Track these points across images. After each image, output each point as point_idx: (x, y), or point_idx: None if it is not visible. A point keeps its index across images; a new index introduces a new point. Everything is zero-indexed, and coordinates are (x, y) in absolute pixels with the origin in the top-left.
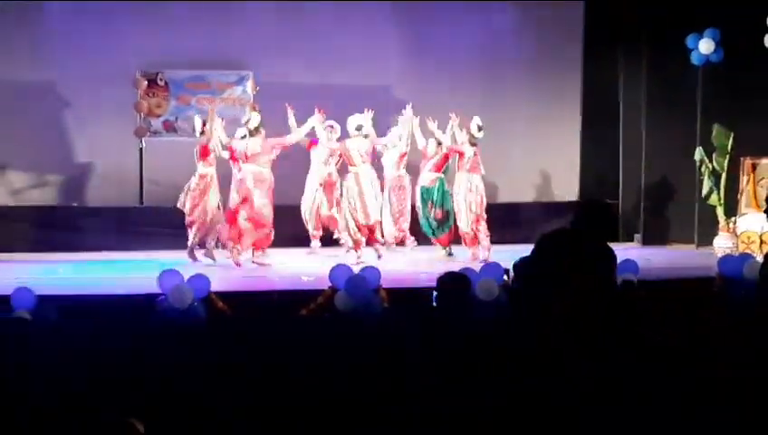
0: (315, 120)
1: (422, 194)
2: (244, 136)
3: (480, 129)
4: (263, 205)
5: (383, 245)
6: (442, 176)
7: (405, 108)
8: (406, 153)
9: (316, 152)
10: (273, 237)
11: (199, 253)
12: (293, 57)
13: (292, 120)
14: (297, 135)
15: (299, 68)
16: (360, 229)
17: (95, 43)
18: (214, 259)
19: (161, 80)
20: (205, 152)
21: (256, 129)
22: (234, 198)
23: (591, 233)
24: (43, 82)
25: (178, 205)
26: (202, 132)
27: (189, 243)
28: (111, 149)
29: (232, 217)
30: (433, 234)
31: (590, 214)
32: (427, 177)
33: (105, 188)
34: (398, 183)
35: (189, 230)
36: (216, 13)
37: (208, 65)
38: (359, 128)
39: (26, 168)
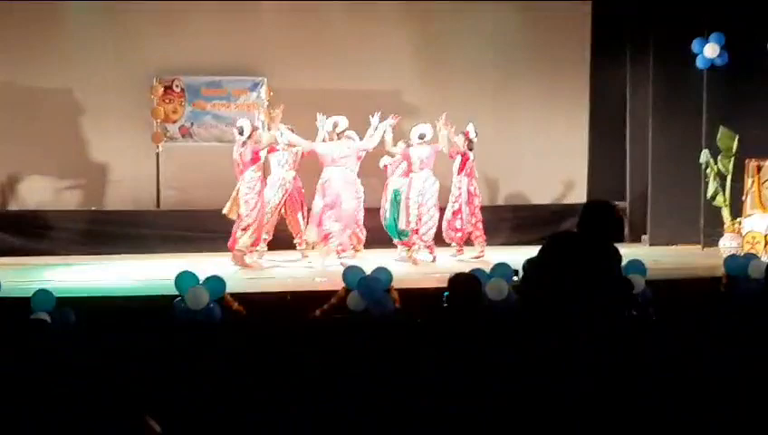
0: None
1: (395, 196)
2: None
3: (477, 134)
4: (352, 206)
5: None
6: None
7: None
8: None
9: (275, 156)
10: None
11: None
12: (308, 63)
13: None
14: (375, 139)
15: (313, 73)
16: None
17: (112, 50)
18: (261, 267)
19: (177, 86)
20: (256, 158)
21: (343, 132)
22: (318, 202)
23: (598, 235)
24: (61, 88)
25: (224, 211)
26: (249, 136)
27: (238, 246)
28: (128, 154)
29: (318, 220)
30: (398, 236)
31: (597, 216)
32: (399, 181)
33: (122, 193)
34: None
35: (244, 233)
36: (231, 19)
37: (224, 71)
38: (421, 136)
39: (44, 173)
